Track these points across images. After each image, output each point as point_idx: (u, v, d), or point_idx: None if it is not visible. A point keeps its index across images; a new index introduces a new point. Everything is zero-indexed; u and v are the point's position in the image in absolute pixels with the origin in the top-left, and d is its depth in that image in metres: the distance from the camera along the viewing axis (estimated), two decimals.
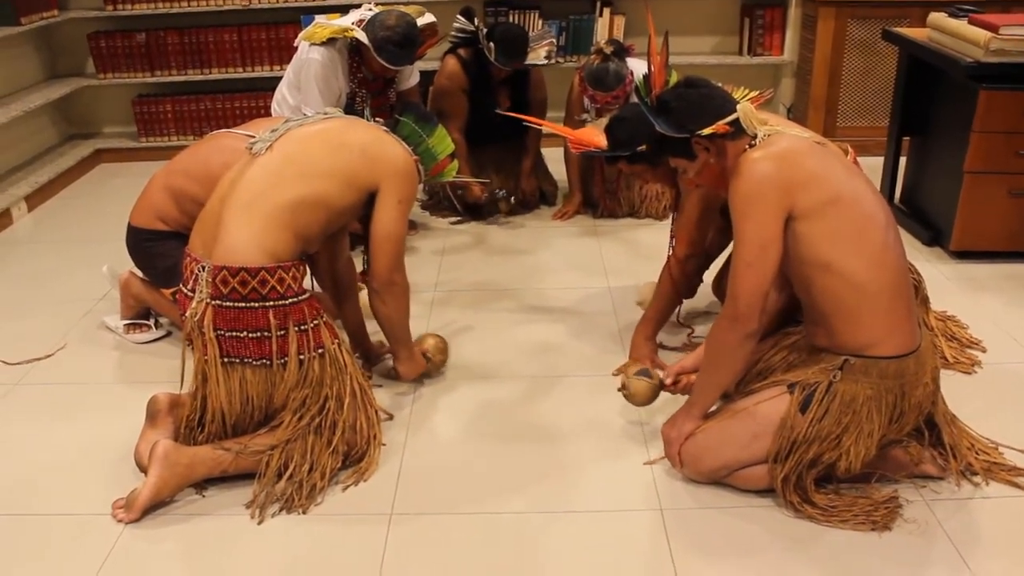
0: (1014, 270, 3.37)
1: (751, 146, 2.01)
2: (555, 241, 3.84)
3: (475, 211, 4.06)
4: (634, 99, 3.42)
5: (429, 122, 2.52)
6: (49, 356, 2.93)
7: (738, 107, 2.03)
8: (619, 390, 2.38)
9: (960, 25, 3.39)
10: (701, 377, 2.15)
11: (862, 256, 1.94)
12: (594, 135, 2.80)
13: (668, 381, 2.36)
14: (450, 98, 3.90)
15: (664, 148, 2.17)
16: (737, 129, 2.02)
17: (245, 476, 2.20)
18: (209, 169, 2.64)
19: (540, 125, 3.12)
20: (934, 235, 3.60)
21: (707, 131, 2.02)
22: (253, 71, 4.95)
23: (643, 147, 2.50)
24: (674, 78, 2.24)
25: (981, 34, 3.22)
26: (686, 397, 2.25)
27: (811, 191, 1.93)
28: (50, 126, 5.05)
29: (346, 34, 3.36)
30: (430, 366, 2.70)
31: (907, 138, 3.88)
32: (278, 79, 3.69)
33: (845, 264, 1.94)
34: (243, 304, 2.12)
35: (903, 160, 3.92)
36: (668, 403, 2.38)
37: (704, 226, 2.68)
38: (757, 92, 2.19)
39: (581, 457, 2.34)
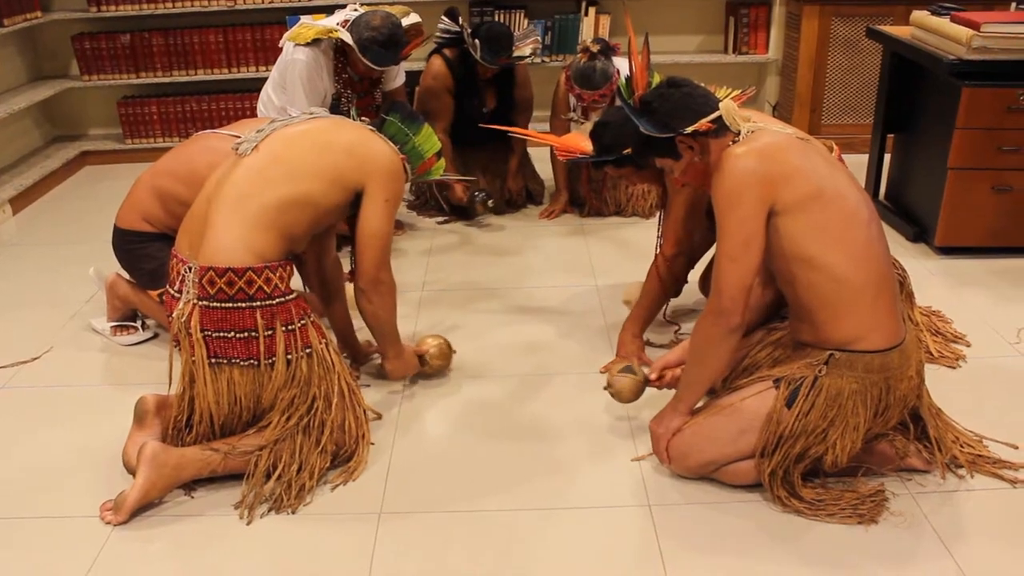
0: (998, 265, 3.40)
1: (734, 143, 2.02)
2: (542, 240, 3.85)
3: (462, 211, 4.06)
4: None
5: (415, 120, 2.52)
6: (35, 359, 2.92)
7: (720, 105, 2.04)
8: (604, 388, 2.39)
9: (943, 23, 3.42)
10: (687, 373, 2.16)
11: (845, 251, 1.96)
12: (580, 141, 2.81)
13: (652, 376, 2.37)
14: (436, 98, 3.90)
15: (649, 149, 2.18)
16: (720, 126, 2.04)
17: (234, 477, 2.20)
18: (195, 170, 2.63)
19: (525, 136, 3.12)
20: (919, 231, 3.62)
21: (690, 129, 2.03)
22: (238, 72, 4.93)
23: (628, 150, 2.52)
24: (656, 79, 2.25)
25: (963, 32, 3.24)
26: (671, 392, 2.26)
27: (793, 186, 1.95)
28: (34, 128, 5.02)
29: (331, 35, 3.36)
30: (427, 368, 2.69)
31: (891, 135, 3.90)
32: (263, 80, 3.69)
33: (828, 259, 1.95)
34: (230, 304, 2.12)
35: (888, 157, 3.94)
36: (656, 400, 2.39)
37: (691, 225, 2.69)
38: (739, 91, 2.21)
39: (570, 454, 2.35)
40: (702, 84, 2.16)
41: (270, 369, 2.16)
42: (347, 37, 3.32)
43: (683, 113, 2.06)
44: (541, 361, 2.83)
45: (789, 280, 2.02)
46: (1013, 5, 3.90)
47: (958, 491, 2.14)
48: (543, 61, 4.85)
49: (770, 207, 1.95)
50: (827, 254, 1.95)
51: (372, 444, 2.36)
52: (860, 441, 2.03)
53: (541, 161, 4.29)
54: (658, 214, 2.85)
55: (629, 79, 2.24)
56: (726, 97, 2.09)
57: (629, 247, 3.72)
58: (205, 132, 2.94)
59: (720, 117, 2.03)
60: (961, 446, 2.23)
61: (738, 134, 2.03)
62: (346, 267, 2.67)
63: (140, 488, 2.10)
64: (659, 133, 2.08)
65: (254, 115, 4.07)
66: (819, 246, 1.95)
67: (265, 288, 2.14)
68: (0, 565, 2.00)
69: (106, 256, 2.99)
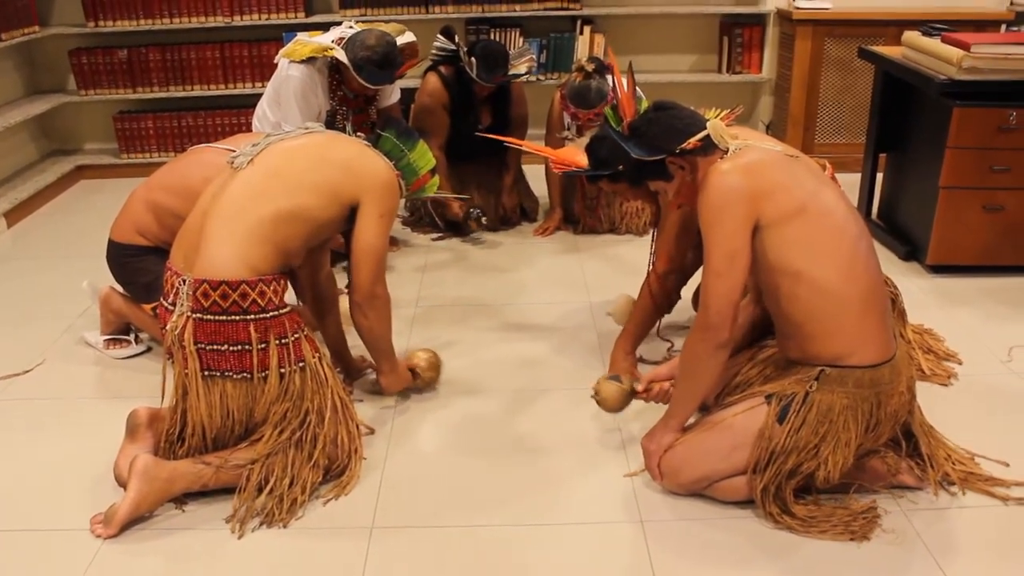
0: (989, 283, 3.41)
1: (722, 160, 2.04)
2: (536, 257, 3.86)
3: (456, 227, 4.07)
4: None
5: (410, 137, 2.54)
6: (28, 372, 2.91)
7: (708, 124, 2.07)
8: (592, 396, 2.40)
9: (933, 43, 3.45)
10: (677, 389, 2.17)
11: (832, 265, 1.97)
12: (575, 155, 2.82)
13: (639, 388, 2.38)
14: (431, 115, 3.92)
15: (642, 173, 2.20)
16: (708, 144, 2.06)
17: (225, 490, 2.19)
18: (189, 184, 2.64)
19: (521, 146, 3.14)
20: (911, 250, 3.64)
21: (679, 148, 2.05)
22: (235, 88, 4.95)
23: (623, 167, 2.53)
24: (644, 104, 2.27)
25: (954, 52, 3.27)
26: (662, 407, 2.27)
27: (777, 200, 1.96)
28: (30, 142, 5.03)
29: (326, 53, 3.37)
30: (419, 382, 2.69)
31: (884, 154, 3.93)
32: (259, 96, 3.70)
33: (814, 273, 1.96)
34: (224, 317, 2.12)
35: (880, 176, 3.97)
36: (647, 416, 2.40)
37: (683, 243, 2.70)
38: (727, 110, 2.23)
39: (562, 470, 2.35)
40: (691, 106, 2.19)
41: (263, 382, 2.16)
42: (342, 56, 3.33)
43: (671, 134, 2.08)
44: (534, 377, 2.83)
45: (775, 295, 2.03)
46: (1003, 27, 3.94)
47: (950, 508, 2.14)
48: (538, 79, 4.88)
49: (754, 222, 1.97)
50: (813, 268, 1.96)
51: (364, 459, 2.36)
52: (852, 457, 2.04)
53: (536, 179, 4.31)
54: (651, 231, 2.86)
55: (616, 107, 2.26)
56: (714, 117, 2.12)
57: (623, 264, 3.73)
58: (200, 146, 2.95)
59: (708, 135, 2.05)
60: (953, 463, 2.24)
61: (727, 151, 2.05)
62: (341, 282, 2.67)
63: (131, 501, 2.09)
64: (650, 156, 2.10)
65: (250, 130, 4.08)
66: (804, 260, 1.96)
67: (259, 301, 2.14)
68: None
69: (100, 270, 2.99)
